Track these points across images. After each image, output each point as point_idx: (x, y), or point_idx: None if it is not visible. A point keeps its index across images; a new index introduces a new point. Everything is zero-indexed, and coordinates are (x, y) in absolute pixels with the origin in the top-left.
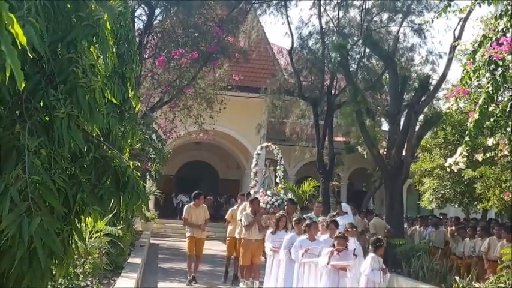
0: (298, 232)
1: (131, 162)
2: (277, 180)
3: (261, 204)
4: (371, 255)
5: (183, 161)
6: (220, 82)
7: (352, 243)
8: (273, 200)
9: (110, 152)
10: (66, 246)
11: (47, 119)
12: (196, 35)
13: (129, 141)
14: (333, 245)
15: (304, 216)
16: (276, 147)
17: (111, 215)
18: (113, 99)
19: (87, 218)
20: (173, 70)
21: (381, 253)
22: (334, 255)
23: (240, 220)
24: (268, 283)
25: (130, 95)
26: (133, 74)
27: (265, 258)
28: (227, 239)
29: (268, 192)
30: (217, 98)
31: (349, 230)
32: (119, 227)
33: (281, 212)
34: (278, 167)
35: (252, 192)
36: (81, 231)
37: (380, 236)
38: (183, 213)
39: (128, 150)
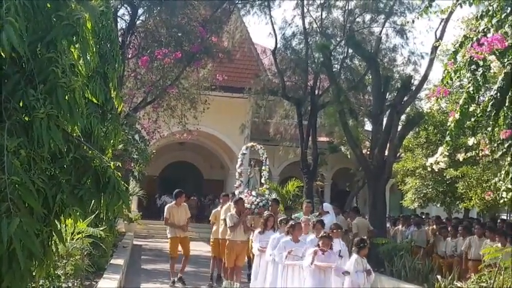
0: (284, 233)
1: (112, 163)
2: (262, 181)
3: (245, 204)
4: (354, 256)
5: (167, 161)
6: (204, 82)
7: (338, 244)
8: (257, 200)
9: (90, 152)
10: (46, 247)
11: (26, 119)
12: (179, 35)
13: (111, 141)
14: (318, 245)
15: (293, 216)
16: (261, 147)
17: (93, 216)
18: (95, 99)
19: (67, 219)
20: (156, 70)
21: (364, 254)
22: (319, 255)
23: (224, 220)
24: (256, 283)
25: (112, 95)
26: (115, 74)
27: (250, 258)
28: (211, 240)
29: (253, 193)
30: (201, 98)
31: (334, 230)
32: (101, 228)
33: (268, 211)
34: (263, 167)
35: (236, 192)
36: (61, 232)
37: (364, 237)
38: (165, 213)
39: (110, 151)
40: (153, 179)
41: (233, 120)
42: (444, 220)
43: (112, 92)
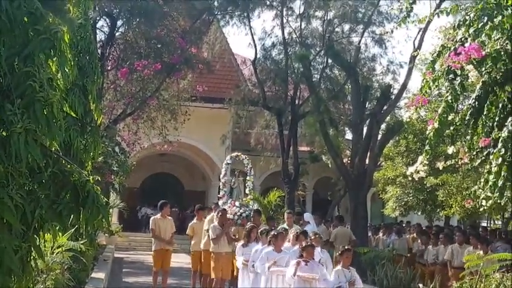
0: (265, 243)
1: (91, 177)
2: (247, 191)
3: (229, 215)
4: (336, 268)
5: (148, 173)
6: (184, 93)
7: (318, 252)
8: (241, 211)
9: (69, 166)
10: (24, 263)
11: (4, 134)
12: (159, 46)
13: (91, 154)
14: (301, 255)
15: (279, 227)
16: (245, 157)
17: (73, 229)
18: (73, 112)
19: (46, 234)
20: (136, 82)
21: (347, 264)
22: (302, 266)
23: (207, 231)
24: None
25: (92, 108)
26: (94, 86)
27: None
28: (191, 253)
29: (237, 203)
30: (181, 109)
31: (312, 238)
32: (81, 242)
33: (251, 223)
34: (248, 178)
35: (220, 203)
36: (40, 247)
37: (345, 246)
38: (150, 224)
39: (90, 164)
40: (133, 191)
41: (214, 131)
42: (425, 228)
43: (91, 104)
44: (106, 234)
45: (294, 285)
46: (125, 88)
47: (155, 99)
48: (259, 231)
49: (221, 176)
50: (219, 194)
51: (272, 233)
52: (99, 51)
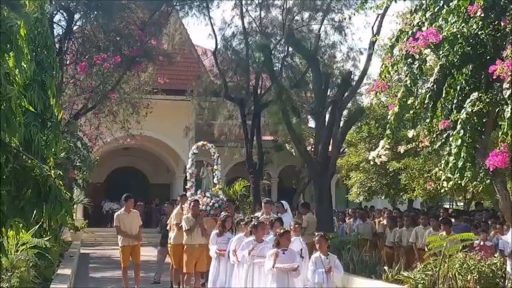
0: (245, 234)
1: (52, 172)
2: (215, 181)
3: (200, 206)
4: (314, 255)
5: (112, 167)
6: (146, 86)
7: (298, 243)
8: (212, 201)
9: (30, 161)
10: None
11: None
12: (118, 39)
13: (52, 150)
14: (277, 243)
15: (252, 216)
16: (212, 146)
17: (37, 226)
18: (33, 108)
19: (9, 231)
20: (96, 76)
21: (324, 251)
22: (280, 256)
23: (176, 225)
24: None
25: (51, 103)
26: (53, 81)
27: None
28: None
29: (207, 194)
30: (143, 102)
31: (293, 227)
32: (46, 238)
33: (225, 213)
34: (215, 167)
35: (188, 194)
36: (4, 244)
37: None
38: (114, 221)
39: (52, 160)
40: (98, 186)
41: (177, 123)
42: (388, 212)
43: (51, 99)
44: (71, 231)
45: (274, 278)
46: (85, 82)
47: (116, 92)
48: (236, 221)
49: (187, 166)
50: (186, 185)
51: (253, 223)
52: (57, 45)
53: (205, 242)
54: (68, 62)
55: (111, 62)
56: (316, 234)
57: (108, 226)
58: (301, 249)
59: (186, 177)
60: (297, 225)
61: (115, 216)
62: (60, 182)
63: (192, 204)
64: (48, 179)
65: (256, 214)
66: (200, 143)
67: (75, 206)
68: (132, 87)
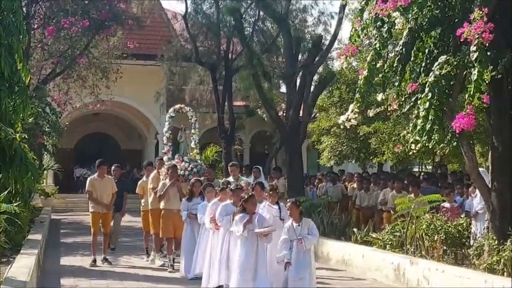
0: (220, 199)
1: (18, 135)
2: (193, 145)
3: (178, 171)
4: (286, 224)
5: (82, 133)
6: (115, 50)
7: (282, 207)
8: (191, 166)
9: None
10: None
11: None
12: (86, 2)
13: (20, 115)
14: (243, 209)
15: (223, 180)
16: (190, 109)
17: (6, 192)
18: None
19: None
20: (64, 40)
21: (296, 217)
22: (252, 221)
23: (153, 189)
24: (189, 254)
25: (19, 67)
26: (20, 46)
27: None
28: (142, 213)
29: (185, 158)
30: (113, 67)
31: (271, 192)
32: (15, 204)
33: (204, 178)
34: (193, 131)
35: (165, 158)
36: None
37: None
38: (86, 186)
39: (20, 125)
40: (68, 151)
41: (147, 89)
42: (357, 175)
43: (18, 64)
44: (42, 197)
45: (243, 244)
46: (53, 47)
47: (85, 57)
48: (202, 185)
49: (164, 130)
50: (159, 151)
51: (231, 187)
52: (24, 9)
53: None
54: (35, 26)
55: (79, 26)
56: (288, 201)
57: (79, 192)
58: (280, 213)
59: (157, 142)
60: (273, 191)
61: (88, 180)
62: (26, 145)
63: (169, 169)
64: (13, 143)
65: (229, 178)
66: (177, 106)
67: (45, 172)
68: (101, 51)
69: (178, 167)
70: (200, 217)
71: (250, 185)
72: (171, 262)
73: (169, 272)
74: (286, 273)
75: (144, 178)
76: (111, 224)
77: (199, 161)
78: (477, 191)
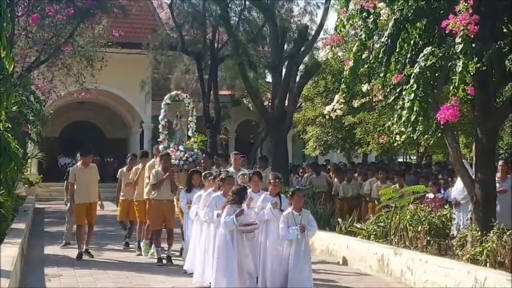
0: (214, 189)
1: (1, 124)
2: (190, 133)
3: (172, 161)
4: (286, 212)
5: (67, 121)
6: (100, 39)
7: (283, 199)
8: (186, 155)
9: None
10: None
11: None
12: None
13: (4, 103)
14: (234, 201)
15: (224, 170)
16: (187, 96)
17: None
18: None
19: None
20: (48, 28)
21: (297, 205)
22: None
23: (149, 178)
24: (190, 246)
25: (2, 55)
26: (4, 33)
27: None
28: (134, 202)
29: (181, 147)
30: (98, 55)
31: (272, 181)
32: None
33: (200, 168)
34: (190, 118)
35: (161, 147)
36: None
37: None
38: (69, 176)
39: (4, 113)
40: (52, 140)
41: (133, 77)
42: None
43: (1, 51)
44: (26, 185)
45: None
46: (37, 34)
47: (70, 45)
48: (202, 174)
49: (160, 117)
50: (158, 138)
51: (221, 176)
52: None
53: (173, 198)
54: (19, 14)
55: (64, 14)
56: (293, 189)
57: (63, 181)
58: (281, 204)
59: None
60: (276, 180)
61: (70, 170)
62: (9, 135)
63: (162, 158)
64: None
65: (229, 168)
66: (174, 93)
67: (29, 160)
68: (86, 40)
69: (173, 156)
70: (193, 209)
71: (247, 175)
72: (159, 255)
73: (158, 265)
74: (284, 268)
75: (124, 168)
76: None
77: (195, 150)
78: (457, 181)
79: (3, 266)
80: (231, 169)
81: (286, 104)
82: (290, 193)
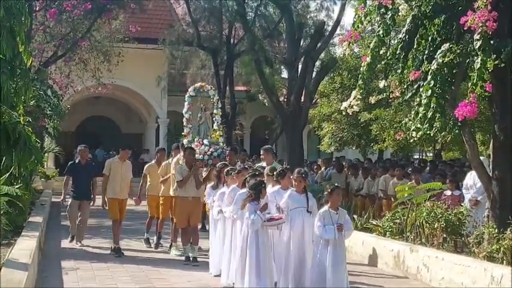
0: (238, 185)
1: (22, 118)
2: (215, 127)
3: (197, 155)
4: (322, 210)
5: (83, 116)
6: (117, 34)
7: (310, 196)
8: (211, 150)
9: None
10: None
11: None
12: None
13: (22, 97)
14: (252, 197)
15: (257, 165)
16: (211, 87)
17: (8, 174)
18: (1, 55)
19: None
20: (66, 23)
21: (335, 204)
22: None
23: (173, 175)
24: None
25: (20, 50)
26: (22, 28)
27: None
28: (160, 197)
29: (205, 141)
30: (114, 50)
31: (296, 177)
32: (16, 186)
33: (221, 162)
34: (215, 111)
35: (185, 142)
36: None
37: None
38: (104, 169)
39: (22, 107)
40: (69, 134)
41: (149, 73)
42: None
43: (20, 46)
44: (42, 179)
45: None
46: (55, 29)
47: (87, 40)
48: (225, 170)
49: (184, 111)
50: (182, 132)
51: (278, 171)
52: None
53: (199, 194)
54: (37, 8)
55: (81, 9)
56: (331, 186)
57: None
58: (308, 203)
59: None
60: (301, 175)
61: (106, 162)
62: (30, 129)
63: (186, 152)
64: (17, 126)
65: (262, 163)
66: (198, 85)
67: (46, 154)
68: (103, 35)
69: (197, 150)
70: (218, 206)
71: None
72: (189, 252)
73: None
74: (320, 269)
75: (153, 162)
76: (79, 215)
77: (221, 144)
78: (468, 175)
79: (21, 258)
80: (264, 164)
81: (302, 100)
82: (329, 190)
